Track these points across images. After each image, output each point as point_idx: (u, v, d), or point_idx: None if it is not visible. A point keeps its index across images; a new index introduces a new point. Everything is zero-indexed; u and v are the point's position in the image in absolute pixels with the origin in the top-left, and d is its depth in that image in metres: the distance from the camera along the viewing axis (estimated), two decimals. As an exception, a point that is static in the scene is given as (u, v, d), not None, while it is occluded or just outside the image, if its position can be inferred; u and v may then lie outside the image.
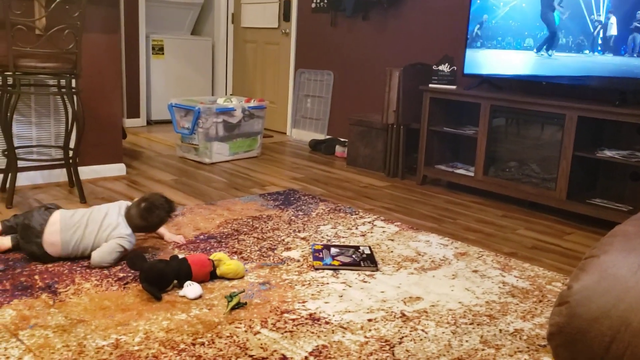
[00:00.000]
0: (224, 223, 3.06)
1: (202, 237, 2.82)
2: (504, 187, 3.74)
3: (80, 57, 3.21)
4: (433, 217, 3.45)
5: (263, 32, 6.17)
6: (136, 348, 1.81)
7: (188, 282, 2.22)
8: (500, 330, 2.07)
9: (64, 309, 2.03)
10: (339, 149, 5.12)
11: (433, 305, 2.24)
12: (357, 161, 4.70)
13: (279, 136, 5.94)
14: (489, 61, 3.90)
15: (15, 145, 3.33)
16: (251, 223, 3.08)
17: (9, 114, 3.15)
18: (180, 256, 2.35)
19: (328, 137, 5.52)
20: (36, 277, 2.27)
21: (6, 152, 3.29)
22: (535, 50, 3.66)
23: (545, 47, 3.61)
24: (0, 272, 2.28)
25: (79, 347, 1.80)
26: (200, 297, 2.18)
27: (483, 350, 1.93)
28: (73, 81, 3.26)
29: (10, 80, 3.18)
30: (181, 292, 2.19)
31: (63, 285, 2.21)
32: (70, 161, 3.39)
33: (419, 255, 2.77)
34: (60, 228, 2.38)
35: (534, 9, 3.65)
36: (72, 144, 3.51)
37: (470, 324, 2.11)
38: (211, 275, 2.33)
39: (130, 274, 2.34)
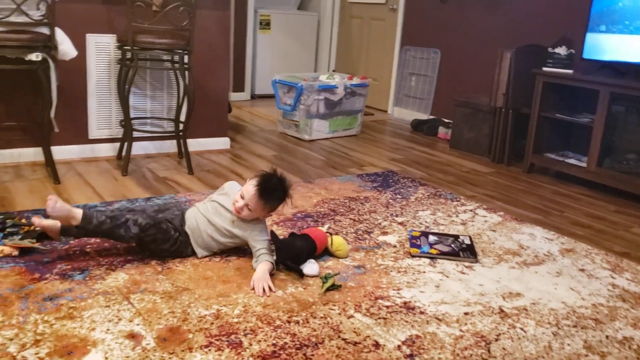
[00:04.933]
0: (321, 202, 3.09)
1: (299, 215, 2.87)
2: (620, 180, 3.50)
3: (193, 33, 3.33)
4: (539, 208, 3.30)
5: (370, 7, 6.10)
6: (235, 320, 1.88)
7: (311, 260, 2.27)
8: (607, 337, 1.96)
9: (171, 277, 2.14)
10: (442, 130, 5.00)
11: (534, 303, 2.15)
12: (461, 144, 4.57)
13: (380, 114, 5.89)
14: (613, 46, 3.62)
15: (131, 116, 3.52)
16: (348, 204, 3.08)
17: (126, 87, 3.33)
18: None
19: (431, 117, 5.40)
20: (146, 244, 2.40)
21: (123, 123, 3.49)
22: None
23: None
24: (115, 237, 2.44)
25: (183, 314, 1.90)
26: (316, 276, 2.21)
27: (586, 356, 1.84)
28: (186, 57, 3.39)
29: (128, 55, 3.35)
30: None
31: (170, 254, 2.33)
32: (181, 133, 3.55)
33: (522, 248, 2.66)
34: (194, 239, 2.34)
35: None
36: (182, 117, 3.66)
37: (574, 326, 2.01)
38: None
39: (231, 248, 2.42)
